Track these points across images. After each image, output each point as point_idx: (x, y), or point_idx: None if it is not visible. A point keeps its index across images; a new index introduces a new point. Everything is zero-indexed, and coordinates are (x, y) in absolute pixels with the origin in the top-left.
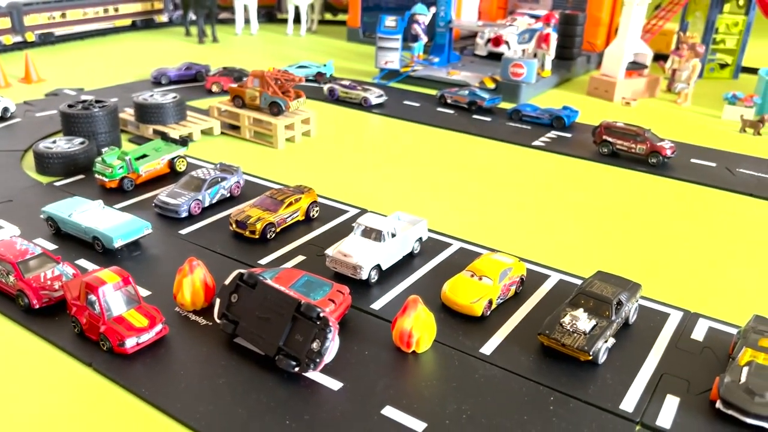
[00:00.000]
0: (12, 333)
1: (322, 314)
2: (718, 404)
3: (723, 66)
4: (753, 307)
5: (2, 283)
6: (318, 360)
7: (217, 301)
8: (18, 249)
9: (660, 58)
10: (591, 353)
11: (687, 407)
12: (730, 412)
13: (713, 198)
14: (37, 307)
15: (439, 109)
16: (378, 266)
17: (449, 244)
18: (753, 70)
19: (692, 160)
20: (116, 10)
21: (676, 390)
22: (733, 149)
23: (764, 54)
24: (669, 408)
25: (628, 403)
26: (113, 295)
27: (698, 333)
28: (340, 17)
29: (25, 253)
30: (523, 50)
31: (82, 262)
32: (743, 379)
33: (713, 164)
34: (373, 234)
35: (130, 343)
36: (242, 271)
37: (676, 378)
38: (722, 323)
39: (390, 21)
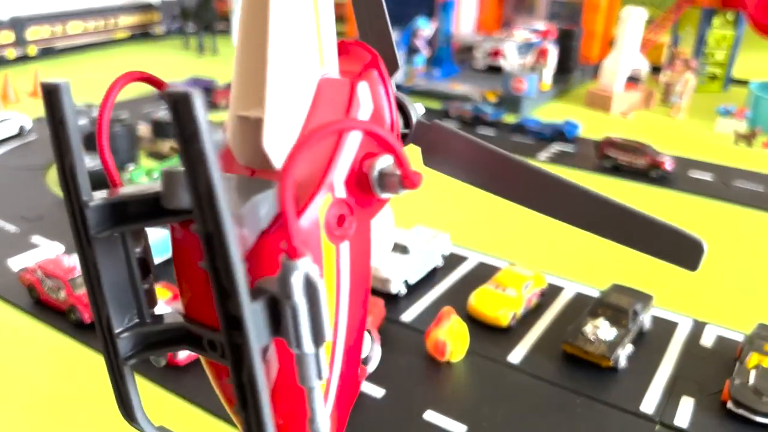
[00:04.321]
0: (66, 346)
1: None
2: (729, 404)
3: (712, 78)
4: (756, 315)
5: (52, 298)
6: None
7: None
8: (66, 266)
9: (653, 71)
10: (612, 359)
11: (701, 408)
12: (740, 411)
13: (712, 209)
14: (89, 322)
15: (444, 122)
16: (406, 280)
17: (466, 258)
18: (743, 82)
19: (689, 174)
20: (116, 24)
21: (690, 391)
22: (728, 162)
23: (753, 66)
24: (685, 408)
25: (648, 404)
26: (165, 310)
27: (707, 339)
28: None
29: (73, 269)
30: (522, 63)
31: None
32: (751, 381)
33: (710, 177)
34: (399, 248)
35: (183, 354)
36: None
37: (690, 381)
38: (728, 330)
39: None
